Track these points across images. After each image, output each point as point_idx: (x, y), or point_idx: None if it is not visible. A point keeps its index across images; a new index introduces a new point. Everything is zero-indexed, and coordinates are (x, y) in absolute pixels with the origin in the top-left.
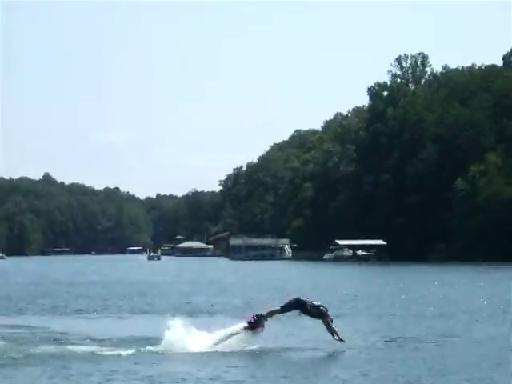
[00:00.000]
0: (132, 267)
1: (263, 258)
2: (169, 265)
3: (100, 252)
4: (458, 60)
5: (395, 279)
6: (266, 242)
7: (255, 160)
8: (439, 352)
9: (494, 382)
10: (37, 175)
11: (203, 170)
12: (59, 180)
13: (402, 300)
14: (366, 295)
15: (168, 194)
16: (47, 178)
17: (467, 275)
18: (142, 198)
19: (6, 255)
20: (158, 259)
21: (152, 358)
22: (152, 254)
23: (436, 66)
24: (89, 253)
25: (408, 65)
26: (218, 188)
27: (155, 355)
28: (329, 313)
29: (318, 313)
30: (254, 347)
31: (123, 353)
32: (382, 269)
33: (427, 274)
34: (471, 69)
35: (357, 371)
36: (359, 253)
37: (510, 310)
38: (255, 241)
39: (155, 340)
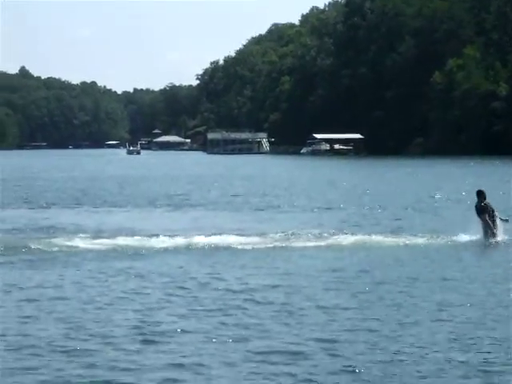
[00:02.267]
0: (112, 161)
1: (240, 151)
2: (150, 159)
3: (77, 146)
4: None
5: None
6: (243, 135)
7: (232, 54)
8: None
9: None
10: (13, 69)
11: (180, 65)
12: (36, 74)
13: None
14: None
15: (145, 88)
16: (23, 71)
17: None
18: (119, 92)
19: None
20: (138, 153)
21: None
22: (132, 148)
23: None
24: (66, 147)
25: None
26: (195, 82)
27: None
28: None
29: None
30: None
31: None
32: (357, 162)
33: (399, 167)
34: None
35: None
36: (337, 147)
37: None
38: (233, 135)
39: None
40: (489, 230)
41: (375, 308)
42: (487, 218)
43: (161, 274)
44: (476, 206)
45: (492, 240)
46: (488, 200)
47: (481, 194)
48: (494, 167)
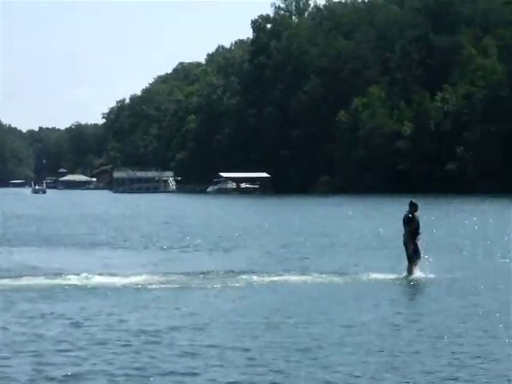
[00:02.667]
0: (17, 200)
1: (147, 190)
2: (56, 198)
3: None
4: None
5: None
6: (149, 174)
7: (139, 92)
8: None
9: None
10: None
11: (86, 103)
12: None
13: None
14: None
15: (51, 126)
16: None
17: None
18: (24, 130)
19: None
20: (44, 192)
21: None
22: (37, 187)
23: None
24: None
25: None
26: (101, 121)
27: None
28: None
29: None
30: None
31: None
32: (262, 201)
33: (304, 206)
34: (354, 2)
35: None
36: (243, 185)
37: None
38: (139, 173)
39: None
40: (409, 245)
41: (277, 349)
42: (409, 230)
43: (61, 315)
44: (404, 216)
45: (411, 274)
46: (418, 214)
47: (412, 206)
48: (400, 205)
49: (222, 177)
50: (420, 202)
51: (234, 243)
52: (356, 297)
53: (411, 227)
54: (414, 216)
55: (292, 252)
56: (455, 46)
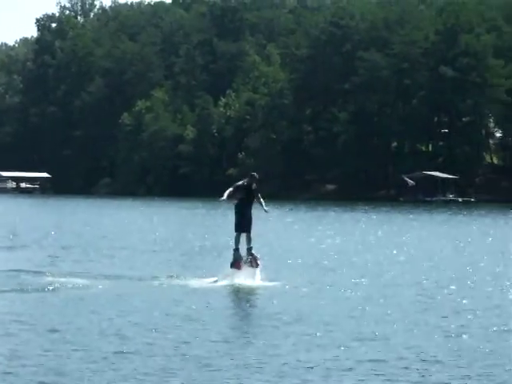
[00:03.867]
0: None
1: None
2: None
3: None
4: None
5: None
6: None
7: None
8: None
9: None
10: None
11: None
12: None
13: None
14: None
15: None
16: None
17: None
18: None
19: None
20: None
21: None
22: None
23: (105, 0)
24: None
25: None
26: None
27: None
28: None
29: None
30: None
31: None
32: (41, 201)
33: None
34: (140, 4)
35: None
36: (23, 185)
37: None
38: None
39: None
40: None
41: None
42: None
43: None
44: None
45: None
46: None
47: (252, 177)
48: (178, 208)
49: (1, 176)
50: (205, 207)
51: (16, 243)
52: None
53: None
54: (250, 186)
55: None
56: (239, 53)
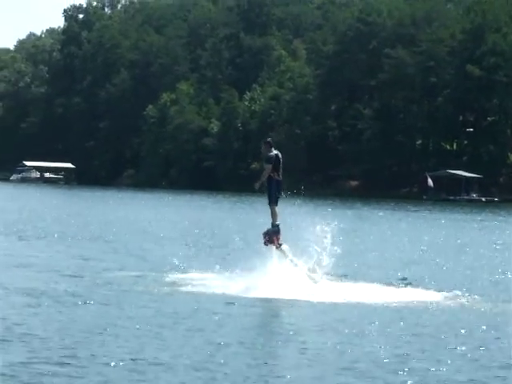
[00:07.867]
0: None
1: None
2: None
3: None
4: None
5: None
6: None
7: None
8: None
9: None
10: None
11: None
12: None
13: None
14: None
15: None
16: None
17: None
18: None
19: None
20: None
21: None
22: None
23: None
24: None
25: None
26: None
27: None
28: None
29: None
30: None
31: None
32: (66, 192)
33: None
34: None
35: None
36: (47, 175)
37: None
38: None
39: None
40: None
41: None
42: (269, 168)
43: None
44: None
45: None
46: (277, 152)
47: (267, 143)
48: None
49: (25, 165)
50: (226, 200)
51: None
52: None
53: (270, 166)
54: (275, 155)
55: None
56: (265, 47)
